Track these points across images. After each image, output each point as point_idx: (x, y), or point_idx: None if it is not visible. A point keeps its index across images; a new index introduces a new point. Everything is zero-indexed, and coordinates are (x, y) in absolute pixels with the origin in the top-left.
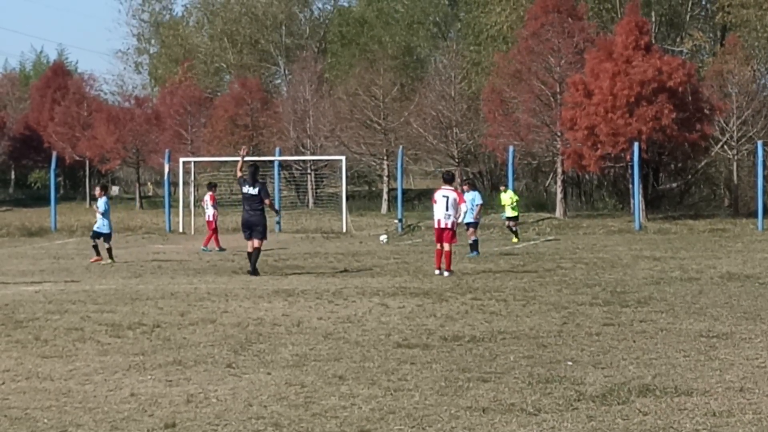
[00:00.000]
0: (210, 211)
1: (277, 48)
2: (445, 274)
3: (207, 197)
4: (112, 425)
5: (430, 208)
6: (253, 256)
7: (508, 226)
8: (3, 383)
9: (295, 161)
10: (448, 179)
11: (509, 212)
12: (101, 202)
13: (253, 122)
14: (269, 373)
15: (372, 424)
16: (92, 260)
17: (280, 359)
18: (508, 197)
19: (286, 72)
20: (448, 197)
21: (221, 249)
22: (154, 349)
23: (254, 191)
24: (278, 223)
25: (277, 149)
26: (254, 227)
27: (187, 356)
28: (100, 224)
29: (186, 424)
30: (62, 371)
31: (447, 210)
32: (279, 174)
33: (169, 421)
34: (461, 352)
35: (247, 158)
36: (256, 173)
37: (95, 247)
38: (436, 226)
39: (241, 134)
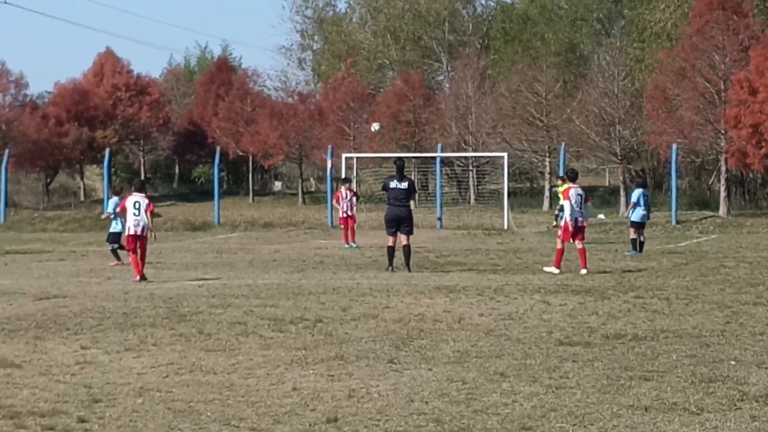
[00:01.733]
0: (343, 206)
1: (440, 44)
2: (583, 272)
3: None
4: (275, 419)
5: (595, 206)
6: (405, 254)
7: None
8: (167, 376)
9: (457, 158)
10: (574, 177)
11: None
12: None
13: (415, 118)
14: (431, 369)
15: (533, 421)
16: (114, 264)
17: (441, 355)
18: None
19: (449, 68)
20: (582, 195)
21: (351, 245)
22: (316, 343)
23: (404, 185)
24: (440, 219)
25: (439, 145)
26: (402, 222)
27: (348, 351)
28: (115, 225)
29: (348, 419)
30: (225, 365)
31: (580, 208)
32: (441, 170)
33: (331, 416)
34: (623, 350)
35: (402, 155)
36: (403, 168)
37: (114, 251)
38: (574, 224)
39: (404, 130)
